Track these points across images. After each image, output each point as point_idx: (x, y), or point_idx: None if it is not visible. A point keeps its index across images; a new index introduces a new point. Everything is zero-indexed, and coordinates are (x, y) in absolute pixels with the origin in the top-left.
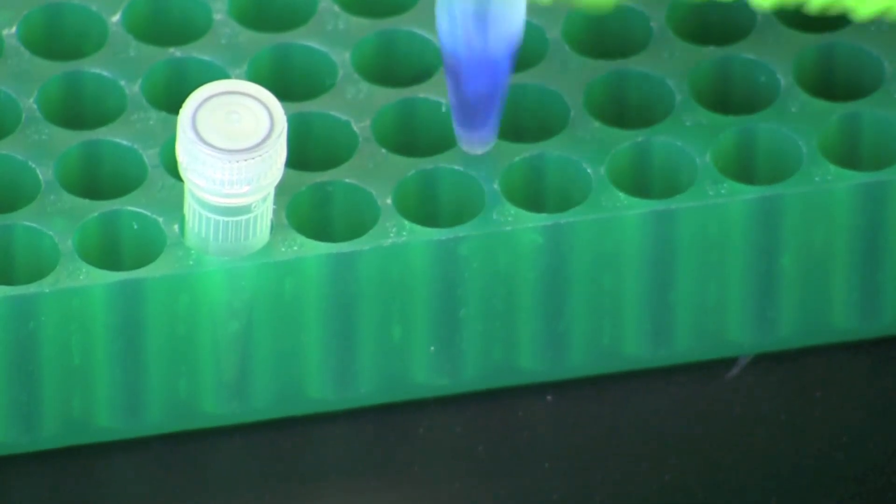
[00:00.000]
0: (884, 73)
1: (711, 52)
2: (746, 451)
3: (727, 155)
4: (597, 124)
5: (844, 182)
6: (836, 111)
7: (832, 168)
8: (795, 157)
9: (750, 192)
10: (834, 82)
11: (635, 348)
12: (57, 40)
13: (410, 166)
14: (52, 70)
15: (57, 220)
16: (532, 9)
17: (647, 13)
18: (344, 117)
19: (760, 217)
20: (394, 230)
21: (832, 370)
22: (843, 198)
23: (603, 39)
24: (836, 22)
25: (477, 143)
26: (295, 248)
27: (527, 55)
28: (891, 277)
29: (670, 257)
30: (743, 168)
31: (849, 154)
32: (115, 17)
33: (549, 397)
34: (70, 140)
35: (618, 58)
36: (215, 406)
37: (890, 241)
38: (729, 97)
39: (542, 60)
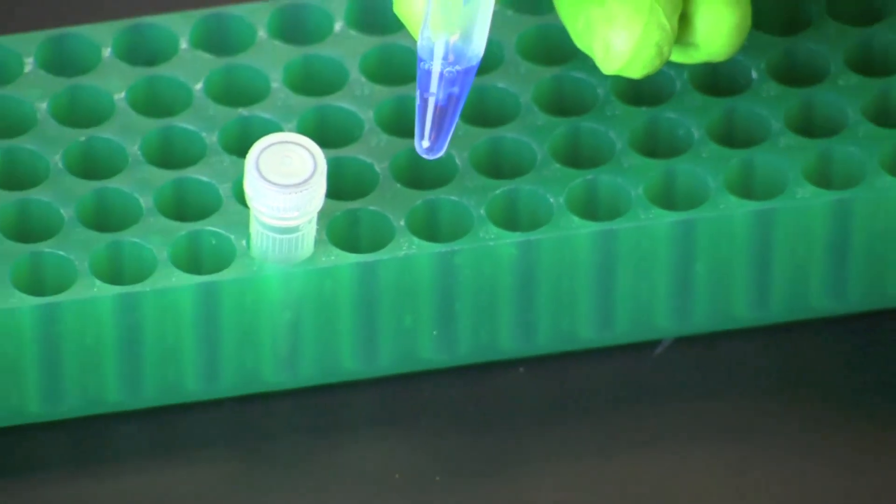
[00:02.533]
0: (771, 129)
1: (643, 112)
2: (668, 412)
3: (654, 189)
4: (557, 166)
5: (742, 209)
6: (736, 156)
7: (732, 199)
8: (706, 189)
9: (671, 217)
10: (734, 133)
11: (586, 332)
12: (155, 103)
13: (418, 197)
14: (152, 125)
15: (154, 237)
16: (507, 77)
17: (594, 82)
18: (369, 160)
19: (679, 235)
20: (406, 245)
21: (735, 352)
22: (741, 221)
23: (562, 102)
24: (737, 87)
25: (434, 150)
26: (332, 258)
27: (505, 114)
28: (780, 271)
29: (612, 265)
30: (666, 198)
31: (744, 188)
32: (198, 85)
33: (521, 369)
34: (165, 177)
35: (574, 115)
36: (273, 375)
37: (778, 245)
38: (656, 145)
39: (517, 118)
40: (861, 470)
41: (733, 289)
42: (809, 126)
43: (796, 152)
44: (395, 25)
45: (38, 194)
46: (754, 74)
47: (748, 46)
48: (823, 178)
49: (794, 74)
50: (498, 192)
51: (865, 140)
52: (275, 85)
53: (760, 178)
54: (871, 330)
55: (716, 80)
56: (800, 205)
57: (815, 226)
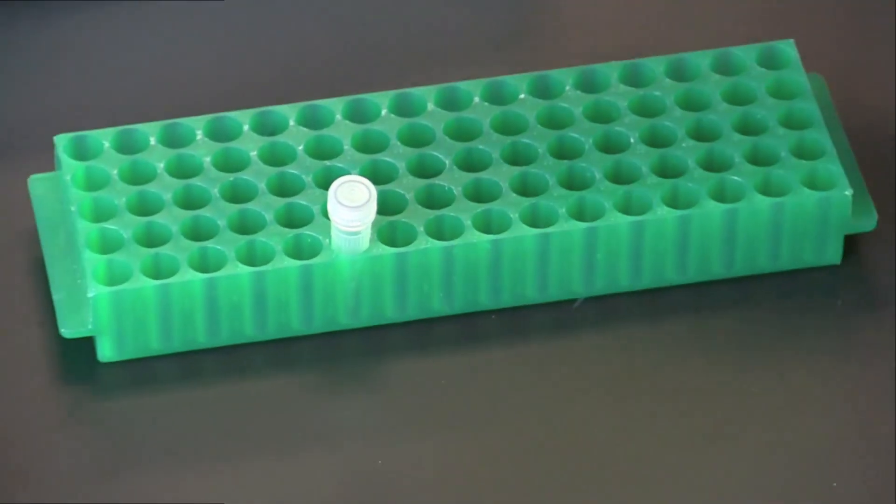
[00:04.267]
0: (642, 172)
1: (566, 163)
2: (580, 342)
3: (572, 209)
4: (514, 195)
5: (625, 221)
6: (621, 189)
7: (620, 215)
8: (603, 209)
9: (582, 226)
10: (620, 176)
11: (531, 293)
12: (274, 158)
13: (431, 213)
14: (272, 171)
15: (274, 237)
16: (484, 143)
17: (537, 146)
18: (402, 191)
19: (587, 237)
20: (424, 242)
21: (620, 305)
22: (625, 229)
23: (517, 158)
24: (622, 148)
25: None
26: (380, 250)
27: (482, 166)
28: (648, 258)
29: (547, 254)
30: (579, 214)
31: (625, 208)
32: (300, 147)
33: (493, 316)
34: (280, 202)
35: (524, 165)
36: (345, 320)
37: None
38: (573, 182)
39: (490, 167)
40: (714, 371)
41: (619, 268)
42: (665, 171)
43: (656, 188)
44: (420, 110)
45: (204, 212)
46: (632, 140)
47: (629, 123)
48: (673, 202)
49: (655, 141)
50: (478, 210)
51: (699, 180)
52: (346, 147)
53: (635, 203)
54: (703, 298)
55: (608, 143)
56: (658, 217)
57: (666, 232)
